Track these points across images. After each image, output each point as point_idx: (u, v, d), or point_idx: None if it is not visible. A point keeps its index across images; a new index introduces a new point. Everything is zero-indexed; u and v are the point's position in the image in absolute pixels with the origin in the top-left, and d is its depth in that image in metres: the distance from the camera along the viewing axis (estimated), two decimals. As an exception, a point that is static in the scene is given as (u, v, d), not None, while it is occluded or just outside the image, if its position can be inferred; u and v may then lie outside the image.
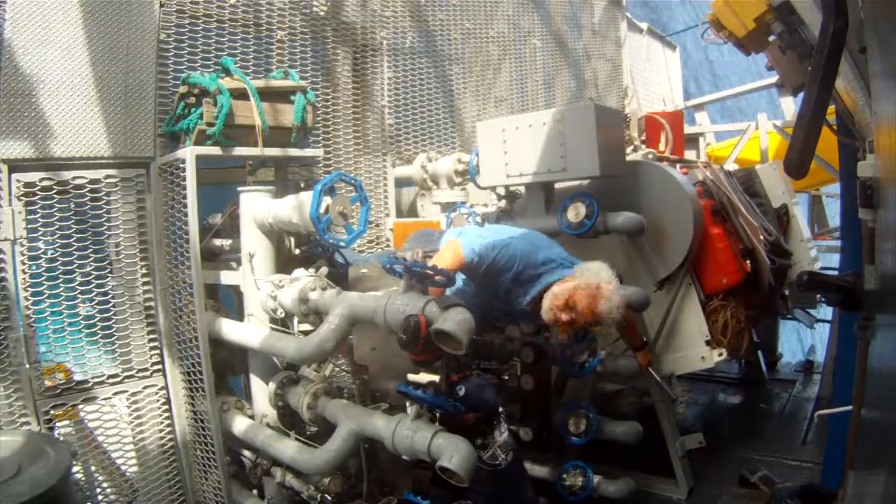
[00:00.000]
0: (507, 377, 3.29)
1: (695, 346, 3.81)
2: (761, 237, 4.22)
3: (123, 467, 3.24)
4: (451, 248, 2.78)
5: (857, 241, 2.88)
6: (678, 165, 4.23)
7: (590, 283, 2.68)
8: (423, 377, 3.02)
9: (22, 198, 2.95)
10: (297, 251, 3.31)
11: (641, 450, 3.63)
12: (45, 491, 2.26)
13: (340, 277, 3.36)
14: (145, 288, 3.32)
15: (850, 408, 2.53)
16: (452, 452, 2.32)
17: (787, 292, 4.91)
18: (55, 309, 3.10)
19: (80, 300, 3.15)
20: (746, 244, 4.05)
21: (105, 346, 3.30)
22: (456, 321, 2.28)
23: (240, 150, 3.23)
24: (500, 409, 2.90)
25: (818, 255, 5.15)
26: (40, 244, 3.02)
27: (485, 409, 2.75)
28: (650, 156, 4.09)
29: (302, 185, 3.65)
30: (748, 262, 4.04)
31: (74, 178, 3.09)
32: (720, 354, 3.83)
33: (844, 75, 2.41)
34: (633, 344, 3.58)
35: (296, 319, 2.95)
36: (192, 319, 3.15)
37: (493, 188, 4.09)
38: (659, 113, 5.25)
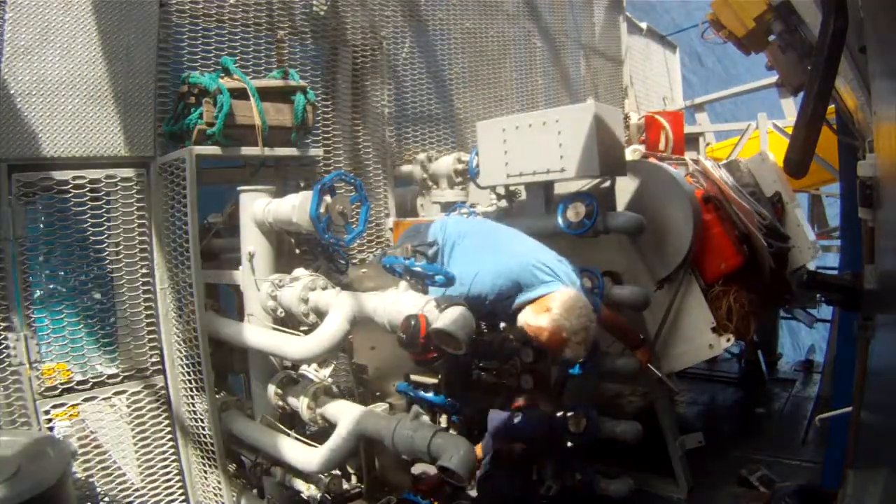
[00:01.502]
0: (505, 379, 3.30)
1: (701, 336, 3.80)
2: (755, 220, 4.23)
3: (123, 467, 3.24)
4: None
5: (857, 241, 2.88)
6: (667, 163, 4.23)
7: (562, 328, 2.63)
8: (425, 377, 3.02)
9: (22, 197, 2.95)
10: (298, 251, 3.31)
11: (641, 449, 3.63)
12: (45, 491, 2.26)
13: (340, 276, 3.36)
14: (145, 288, 3.31)
15: (850, 409, 2.53)
16: (452, 452, 2.32)
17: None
18: (55, 309, 3.10)
19: (79, 300, 3.15)
20: (741, 229, 4.05)
21: (105, 346, 3.30)
22: (455, 321, 2.29)
23: (240, 150, 3.23)
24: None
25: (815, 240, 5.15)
26: (40, 244, 3.02)
27: (536, 445, 2.71)
28: (638, 153, 4.09)
29: (302, 184, 3.65)
30: (745, 246, 4.04)
31: (74, 178, 3.09)
32: (728, 340, 3.83)
33: (844, 75, 2.41)
34: (629, 344, 3.58)
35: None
36: (192, 319, 3.15)
37: (493, 188, 4.09)
38: (659, 113, 5.26)
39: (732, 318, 3.85)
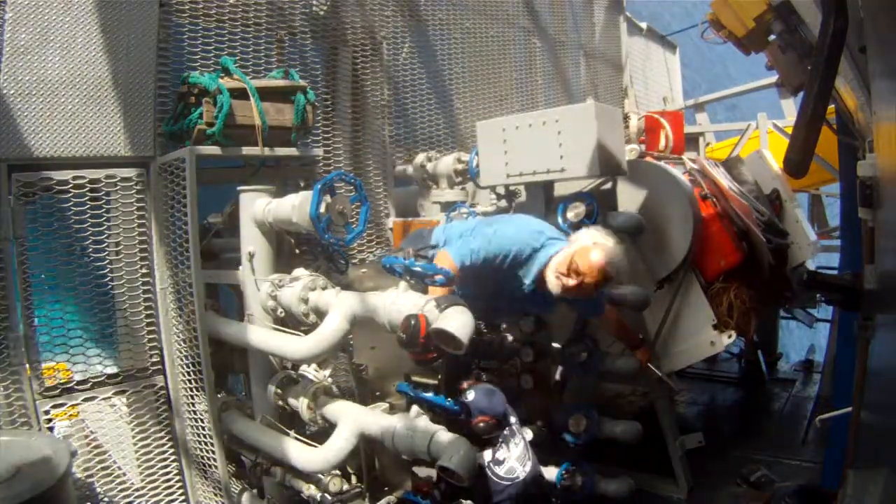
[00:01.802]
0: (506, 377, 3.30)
1: (703, 333, 3.81)
2: (754, 217, 4.23)
3: (123, 467, 3.24)
4: (441, 260, 2.83)
5: (857, 241, 2.89)
6: (663, 162, 4.23)
7: (585, 245, 2.76)
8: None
9: (22, 197, 2.95)
10: (298, 251, 3.32)
11: (641, 449, 3.63)
12: (45, 491, 2.25)
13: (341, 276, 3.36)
14: (145, 288, 3.31)
15: (850, 409, 2.53)
16: (452, 452, 2.32)
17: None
18: (55, 309, 3.09)
19: (79, 300, 3.15)
20: (739, 226, 4.05)
21: (105, 346, 3.30)
22: (456, 320, 2.29)
23: (240, 150, 3.23)
24: (513, 419, 2.86)
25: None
26: (40, 244, 3.02)
27: (493, 416, 2.72)
28: (634, 152, 4.09)
29: (302, 184, 3.65)
30: (744, 243, 4.04)
31: (74, 178, 3.08)
32: (729, 337, 3.83)
33: (844, 75, 2.41)
34: (628, 343, 3.58)
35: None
36: (192, 319, 3.15)
37: (493, 188, 4.09)
38: (659, 113, 5.25)
39: (733, 315, 3.85)
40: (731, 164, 4.97)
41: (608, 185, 3.75)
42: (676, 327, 3.88)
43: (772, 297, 4.81)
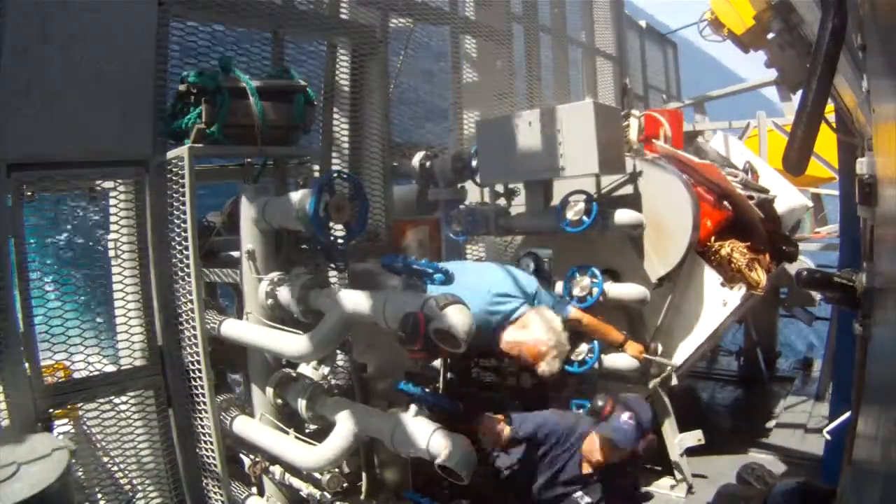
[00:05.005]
0: (506, 375, 3.30)
1: (713, 296, 3.84)
2: (728, 180, 4.26)
3: (123, 467, 3.24)
4: None
5: (856, 239, 2.89)
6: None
7: (538, 342, 2.99)
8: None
9: (21, 197, 2.95)
10: (297, 249, 3.32)
11: (641, 448, 3.63)
12: (44, 491, 2.25)
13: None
14: (144, 287, 3.31)
15: (849, 413, 2.53)
16: (452, 451, 2.32)
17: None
18: (54, 308, 3.09)
19: (79, 299, 3.14)
20: (715, 189, 4.08)
21: (105, 346, 3.29)
22: (455, 319, 2.28)
23: (239, 149, 3.22)
24: None
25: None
26: (39, 243, 3.02)
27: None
28: None
29: (301, 183, 3.65)
30: (725, 203, 4.08)
31: (74, 177, 3.08)
32: (740, 289, 3.84)
33: (843, 73, 2.41)
34: (612, 343, 3.56)
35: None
36: (192, 319, 3.15)
37: (492, 186, 4.09)
38: (658, 111, 5.25)
39: (738, 268, 3.86)
40: (697, 146, 5.07)
41: (630, 185, 3.78)
42: (686, 300, 3.90)
43: (775, 256, 4.81)
